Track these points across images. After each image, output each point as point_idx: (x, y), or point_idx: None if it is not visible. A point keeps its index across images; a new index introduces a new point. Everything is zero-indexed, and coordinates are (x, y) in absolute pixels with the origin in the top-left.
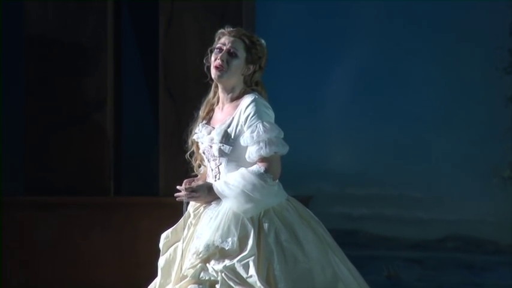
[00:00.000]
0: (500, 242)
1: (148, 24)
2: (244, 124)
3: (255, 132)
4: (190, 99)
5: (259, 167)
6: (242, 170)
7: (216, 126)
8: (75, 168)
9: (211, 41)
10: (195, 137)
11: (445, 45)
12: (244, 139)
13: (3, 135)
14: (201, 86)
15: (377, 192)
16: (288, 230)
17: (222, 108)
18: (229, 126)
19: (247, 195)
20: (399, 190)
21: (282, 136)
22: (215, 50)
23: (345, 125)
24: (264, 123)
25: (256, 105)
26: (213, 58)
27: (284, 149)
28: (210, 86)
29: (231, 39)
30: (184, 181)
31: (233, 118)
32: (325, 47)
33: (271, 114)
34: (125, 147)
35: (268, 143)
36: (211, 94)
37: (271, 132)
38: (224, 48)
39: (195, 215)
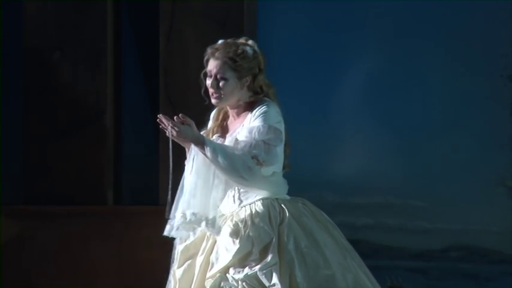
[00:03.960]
0: (505, 251)
1: (149, 32)
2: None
3: (253, 130)
4: (191, 108)
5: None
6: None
7: (227, 136)
8: (74, 178)
9: None
10: None
11: (449, 52)
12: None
13: (2, 144)
14: (202, 95)
15: (380, 202)
16: (308, 236)
17: (235, 119)
18: (239, 133)
19: (227, 153)
20: (402, 199)
21: (276, 145)
22: (207, 75)
23: (348, 133)
24: (263, 125)
25: (267, 108)
26: (207, 83)
27: (267, 157)
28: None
29: (215, 63)
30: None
31: (243, 125)
32: (328, 55)
33: (278, 118)
34: (125, 156)
35: (255, 145)
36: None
37: (263, 134)
38: (212, 74)
39: None
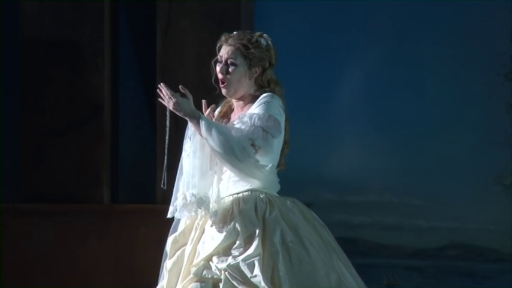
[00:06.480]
0: (502, 250)
1: (146, 30)
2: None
3: (253, 116)
4: None
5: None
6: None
7: (227, 124)
8: (71, 176)
9: (209, 47)
10: None
11: (447, 51)
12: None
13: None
14: (199, 93)
15: (377, 200)
16: (293, 231)
17: (238, 111)
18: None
19: (221, 134)
20: (399, 198)
21: (274, 135)
22: (217, 62)
23: (345, 132)
24: (264, 113)
25: (271, 98)
26: (217, 70)
27: (263, 144)
28: (210, 93)
29: (227, 48)
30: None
31: (245, 114)
32: (325, 54)
33: (279, 110)
34: (122, 154)
35: (253, 130)
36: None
37: (263, 121)
38: (223, 60)
39: (201, 216)
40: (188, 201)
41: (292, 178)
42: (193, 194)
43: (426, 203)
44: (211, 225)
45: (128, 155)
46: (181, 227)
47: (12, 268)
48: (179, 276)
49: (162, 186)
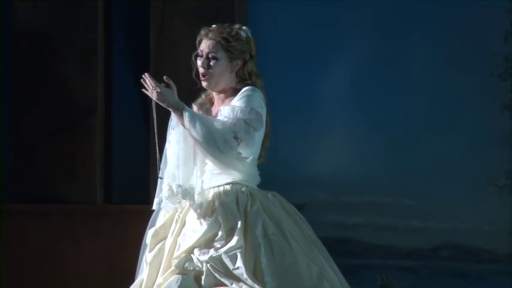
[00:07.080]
0: (496, 250)
1: (140, 30)
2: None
3: (236, 109)
4: None
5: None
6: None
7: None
8: (65, 176)
9: None
10: None
11: (440, 51)
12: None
13: None
14: (192, 92)
15: (371, 200)
16: (275, 224)
17: (219, 105)
18: (221, 112)
19: (204, 126)
20: (393, 198)
21: (256, 128)
22: (198, 56)
23: (339, 132)
24: (246, 106)
25: (252, 92)
26: (198, 64)
27: (245, 136)
28: (204, 92)
29: (208, 42)
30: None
31: (227, 107)
32: (318, 53)
33: (261, 103)
34: (115, 154)
35: (235, 123)
36: (208, 91)
37: (245, 114)
38: (204, 54)
39: (182, 209)
40: (174, 192)
41: (285, 179)
42: (179, 185)
43: (420, 203)
44: (197, 218)
45: (121, 156)
46: (160, 220)
47: (5, 269)
48: (159, 269)
49: (159, 177)
